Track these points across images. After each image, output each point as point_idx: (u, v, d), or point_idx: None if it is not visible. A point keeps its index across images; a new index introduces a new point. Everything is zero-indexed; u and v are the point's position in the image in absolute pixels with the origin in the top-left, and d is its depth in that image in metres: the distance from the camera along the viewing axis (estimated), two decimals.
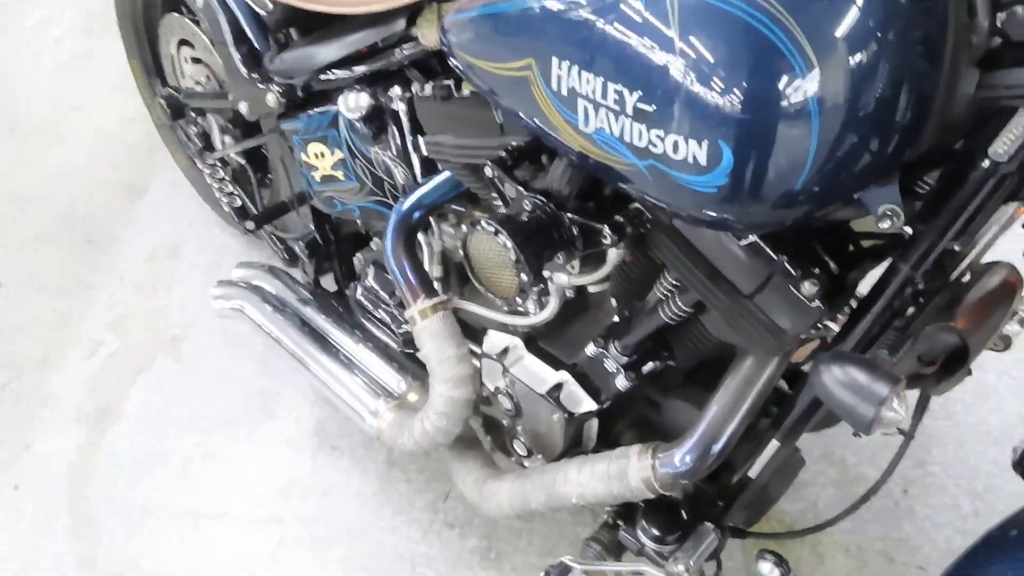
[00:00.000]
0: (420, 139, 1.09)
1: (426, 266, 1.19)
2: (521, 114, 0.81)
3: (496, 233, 0.83)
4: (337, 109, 1.13)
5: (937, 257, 0.73)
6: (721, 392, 0.91)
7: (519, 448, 1.12)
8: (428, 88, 1.04)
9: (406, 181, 1.14)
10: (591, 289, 1.04)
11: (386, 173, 1.16)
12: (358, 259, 1.41)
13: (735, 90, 0.60)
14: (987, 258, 0.78)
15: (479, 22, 0.80)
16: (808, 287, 0.77)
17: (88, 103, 2.31)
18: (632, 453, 0.94)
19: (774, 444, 0.92)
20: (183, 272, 1.88)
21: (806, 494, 1.40)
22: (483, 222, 0.84)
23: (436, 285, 1.16)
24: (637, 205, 0.84)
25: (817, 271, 0.77)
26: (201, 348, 1.73)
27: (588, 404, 1.01)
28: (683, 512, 0.99)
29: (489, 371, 1.10)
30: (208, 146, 1.51)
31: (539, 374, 1.04)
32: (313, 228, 1.41)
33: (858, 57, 0.59)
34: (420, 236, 1.17)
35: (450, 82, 1.00)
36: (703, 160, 0.64)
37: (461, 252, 0.89)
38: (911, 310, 0.76)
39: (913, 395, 0.76)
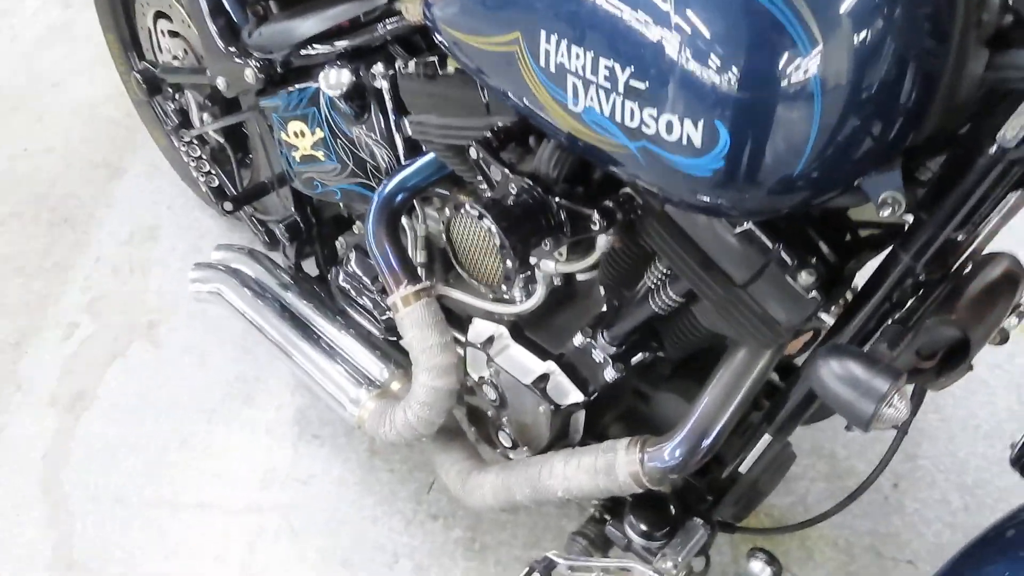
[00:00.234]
0: (404, 119, 1.05)
1: (410, 251, 1.15)
2: (507, 92, 0.77)
3: (480, 217, 0.79)
4: (317, 86, 1.08)
5: (939, 247, 0.70)
6: (712, 385, 0.88)
7: (504, 440, 1.09)
8: (412, 65, 1.00)
9: (389, 163, 1.11)
10: (579, 277, 1.01)
11: (368, 154, 1.12)
12: (340, 243, 1.37)
13: (734, 67, 0.57)
14: (988, 248, 0.75)
15: None
16: (804, 277, 0.74)
17: (66, 79, 2.25)
18: (620, 447, 0.91)
19: (765, 438, 0.89)
20: (161, 255, 1.84)
21: (795, 488, 1.38)
22: (467, 206, 0.81)
23: (420, 271, 1.13)
24: (628, 190, 0.81)
25: (814, 261, 0.74)
26: (179, 333, 1.70)
27: (575, 395, 0.98)
28: (671, 507, 0.96)
29: (473, 360, 1.07)
30: (185, 123, 1.46)
31: (525, 364, 1.01)
32: (294, 210, 1.37)
33: (864, 34, 0.56)
34: (404, 220, 1.14)
35: (434, 59, 0.96)
36: (698, 142, 0.60)
37: (444, 237, 0.86)
38: (910, 302, 0.73)
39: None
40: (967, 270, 0.73)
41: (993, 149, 0.63)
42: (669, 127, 0.61)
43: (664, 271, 0.87)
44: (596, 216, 0.79)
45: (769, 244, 0.75)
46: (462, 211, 0.81)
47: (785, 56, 0.56)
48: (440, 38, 0.84)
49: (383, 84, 1.05)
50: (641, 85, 0.61)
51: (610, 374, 0.96)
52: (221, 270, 1.40)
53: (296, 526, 1.41)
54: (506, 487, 1.02)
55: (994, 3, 0.58)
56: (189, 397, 1.59)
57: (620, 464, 0.90)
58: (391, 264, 1.03)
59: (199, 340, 1.67)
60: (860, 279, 0.81)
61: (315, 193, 1.26)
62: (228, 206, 1.39)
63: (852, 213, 0.83)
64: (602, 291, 0.98)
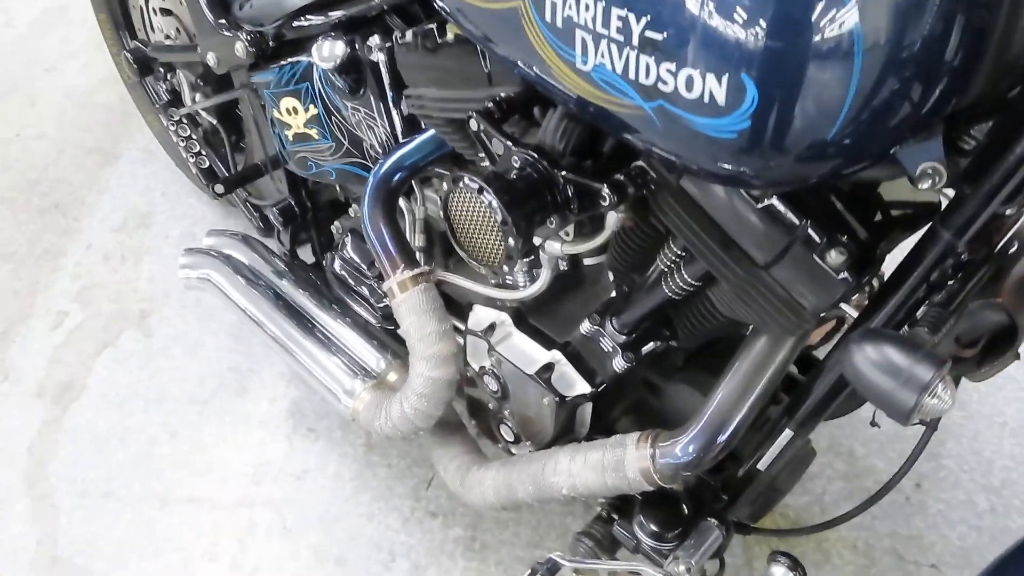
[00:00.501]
0: (401, 94, 0.99)
1: (408, 235, 1.10)
2: (511, 57, 0.72)
3: (480, 191, 0.74)
4: (310, 59, 1.03)
5: (983, 223, 0.64)
6: (729, 376, 0.82)
7: (506, 434, 1.04)
8: (409, 35, 0.94)
9: (386, 141, 1.05)
10: (586, 261, 0.96)
11: (364, 132, 1.07)
12: (336, 228, 1.31)
13: (766, 13, 0.50)
14: None
15: None
16: (834, 256, 0.67)
17: (60, 64, 2.20)
18: (630, 441, 0.85)
19: (786, 434, 0.83)
20: (154, 243, 1.79)
21: (812, 487, 1.32)
22: (466, 179, 0.75)
23: (418, 256, 1.07)
24: (640, 163, 0.75)
25: (844, 239, 0.68)
26: (171, 322, 1.65)
27: (581, 387, 0.93)
28: (684, 506, 0.91)
29: (474, 349, 1.02)
30: (176, 102, 1.41)
31: (528, 353, 0.96)
32: (288, 194, 1.32)
33: None
34: (401, 202, 1.09)
35: (433, 27, 0.90)
36: (722, 99, 0.54)
37: (441, 213, 0.80)
38: (950, 284, 0.67)
39: None
40: (1013, 248, 0.67)
41: None
42: (689, 83, 0.55)
43: (678, 252, 0.82)
44: (606, 191, 0.73)
45: (795, 221, 0.69)
46: (461, 184, 0.75)
47: (824, 2, 0.50)
48: (440, 2, 0.78)
49: (379, 56, 1.00)
50: (658, 36, 0.55)
51: (619, 364, 0.91)
52: (213, 256, 1.34)
53: (289, 522, 1.36)
54: (508, 484, 0.97)
55: None
56: (180, 388, 1.54)
57: (630, 460, 0.84)
58: (388, 248, 0.98)
59: (191, 330, 1.63)
60: (887, 269, 0.75)
61: (309, 174, 1.21)
62: (219, 189, 1.34)
63: (882, 191, 0.77)
64: (611, 276, 0.92)
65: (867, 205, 0.75)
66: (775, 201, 0.69)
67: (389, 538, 1.33)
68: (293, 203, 1.33)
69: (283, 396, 1.52)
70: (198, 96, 1.40)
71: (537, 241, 0.87)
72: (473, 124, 0.79)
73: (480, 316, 1.01)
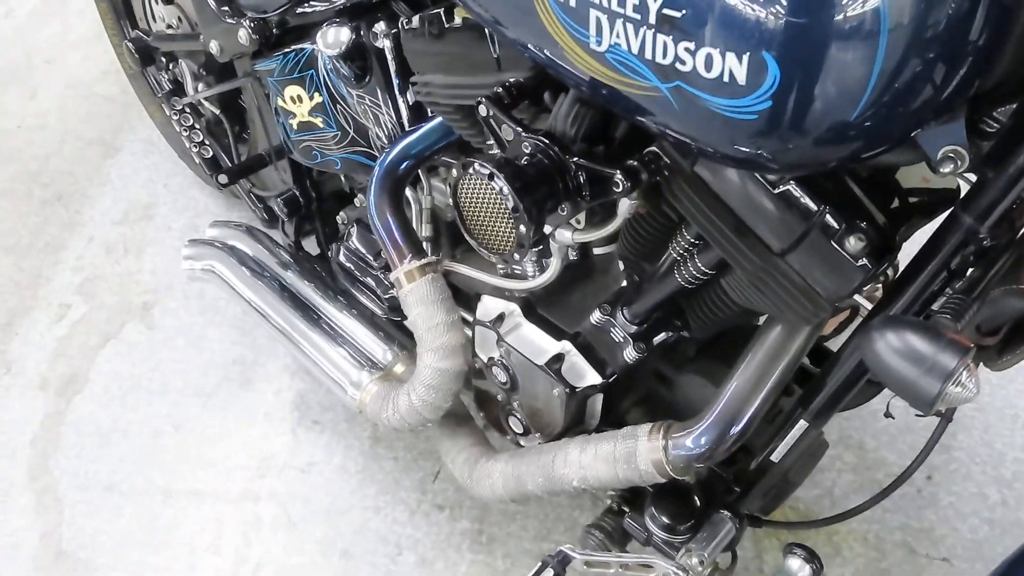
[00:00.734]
0: (407, 81, 0.98)
1: (414, 225, 1.08)
2: (522, 39, 0.70)
3: (491, 177, 0.72)
4: (315, 46, 1.01)
5: (1006, 208, 0.62)
6: (743, 366, 0.81)
7: (515, 425, 1.02)
8: (416, 20, 0.92)
9: (392, 129, 1.03)
10: (596, 250, 0.95)
11: (370, 120, 1.05)
12: (341, 218, 1.30)
13: None
14: None
15: None
16: (853, 243, 0.66)
17: (61, 55, 2.19)
18: (641, 433, 0.84)
19: (800, 425, 0.82)
20: (156, 234, 1.78)
21: (822, 480, 1.30)
22: (477, 165, 0.73)
23: (425, 246, 1.05)
24: (653, 149, 0.73)
25: (863, 225, 0.66)
26: (174, 314, 1.63)
27: (592, 378, 0.92)
28: (696, 498, 0.89)
29: (482, 340, 1.01)
30: (178, 91, 1.39)
31: (538, 344, 0.95)
32: (292, 184, 1.30)
33: None
34: (408, 192, 1.07)
35: (440, 11, 0.89)
36: (742, 78, 0.53)
37: (451, 200, 0.78)
38: (971, 270, 0.66)
39: None
40: None
41: None
42: (708, 62, 0.54)
43: (692, 240, 0.80)
44: (619, 177, 0.71)
45: (813, 207, 0.67)
46: (471, 171, 0.74)
47: None
48: None
49: (385, 43, 0.98)
50: (676, 13, 0.53)
51: (630, 355, 0.90)
52: (217, 247, 1.33)
53: (294, 516, 1.35)
54: (517, 476, 0.96)
55: None
56: (184, 381, 1.53)
57: (642, 452, 0.83)
58: (394, 237, 0.96)
59: (195, 322, 1.61)
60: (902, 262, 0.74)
61: (314, 163, 1.20)
62: (223, 179, 1.32)
63: (899, 177, 0.75)
64: (621, 265, 0.91)
65: (885, 191, 0.73)
66: (792, 186, 0.68)
67: (395, 531, 1.32)
68: (297, 193, 1.32)
69: (288, 388, 1.51)
70: (200, 86, 1.39)
71: (547, 230, 0.86)
72: (482, 110, 0.78)
73: (489, 306, 1.00)
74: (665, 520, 0.88)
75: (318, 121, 1.12)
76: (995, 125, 0.64)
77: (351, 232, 1.24)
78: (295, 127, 1.16)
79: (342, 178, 1.29)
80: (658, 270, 0.86)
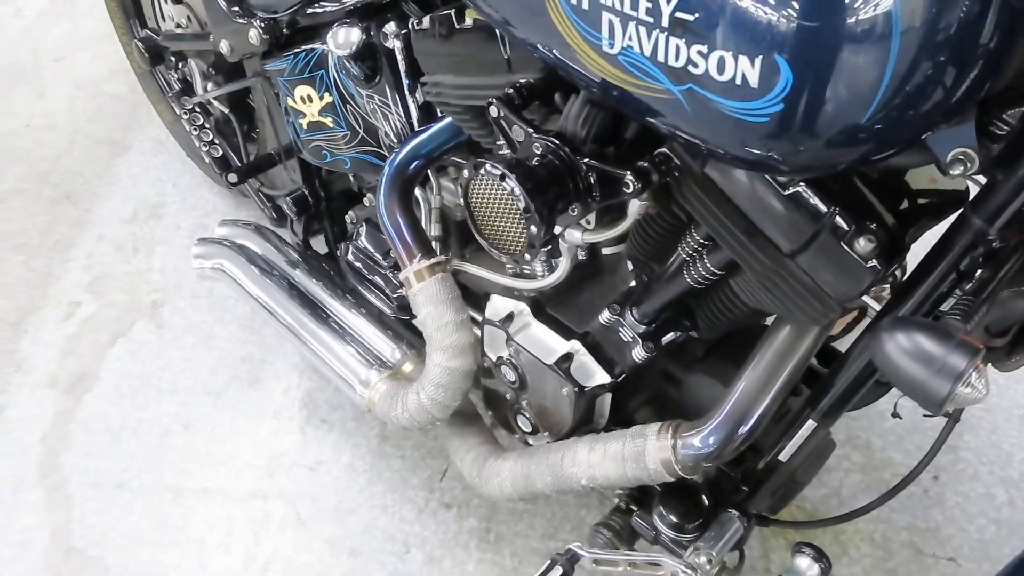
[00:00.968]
0: (417, 82, 0.98)
1: (424, 225, 1.09)
2: (533, 41, 0.70)
3: (503, 178, 0.72)
4: (325, 46, 1.02)
5: (1016, 210, 0.62)
6: (752, 366, 0.82)
7: (523, 424, 1.03)
8: (426, 21, 0.92)
9: (401, 129, 1.04)
10: (605, 250, 0.95)
11: (380, 120, 1.06)
12: (350, 217, 1.30)
13: None
14: None
15: None
16: (863, 244, 0.66)
17: (70, 53, 2.20)
18: (650, 432, 0.84)
19: (808, 425, 0.82)
20: (165, 233, 1.79)
21: (829, 480, 1.31)
22: (488, 165, 0.74)
23: (434, 245, 1.06)
24: (664, 150, 0.74)
25: (873, 226, 0.67)
26: (183, 313, 1.64)
27: (601, 377, 0.92)
28: (704, 497, 0.89)
29: (491, 339, 1.01)
30: (188, 91, 1.40)
31: (547, 343, 0.95)
32: (301, 183, 1.31)
33: None
34: (417, 192, 1.07)
35: (450, 12, 0.89)
36: (754, 81, 0.53)
37: (462, 200, 0.79)
38: (980, 272, 0.66)
39: None
40: None
41: None
42: (721, 65, 0.54)
43: (701, 241, 0.80)
44: (630, 178, 0.72)
45: (823, 208, 0.67)
46: (482, 171, 0.74)
47: None
48: None
49: (395, 43, 0.98)
50: (689, 16, 0.54)
51: (639, 354, 0.90)
52: (226, 246, 1.34)
53: (303, 514, 1.36)
54: (525, 475, 0.96)
55: None
56: (193, 379, 1.54)
57: (651, 451, 0.83)
58: (404, 237, 0.97)
59: (204, 320, 1.62)
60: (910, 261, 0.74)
61: (324, 163, 1.20)
62: (232, 178, 1.33)
63: (908, 178, 0.76)
64: (630, 265, 0.91)
65: (894, 192, 0.73)
66: (802, 188, 0.68)
67: (403, 529, 1.33)
68: (307, 193, 1.32)
69: (296, 387, 1.51)
70: (210, 85, 1.39)
71: (557, 230, 0.86)
72: (493, 111, 0.78)
73: (498, 306, 1.00)
74: (673, 519, 0.89)
75: (328, 121, 1.12)
76: (1005, 127, 0.64)
77: (360, 231, 1.24)
78: (305, 127, 1.17)
79: (351, 177, 1.30)
80: (667, 270, 0.86)
